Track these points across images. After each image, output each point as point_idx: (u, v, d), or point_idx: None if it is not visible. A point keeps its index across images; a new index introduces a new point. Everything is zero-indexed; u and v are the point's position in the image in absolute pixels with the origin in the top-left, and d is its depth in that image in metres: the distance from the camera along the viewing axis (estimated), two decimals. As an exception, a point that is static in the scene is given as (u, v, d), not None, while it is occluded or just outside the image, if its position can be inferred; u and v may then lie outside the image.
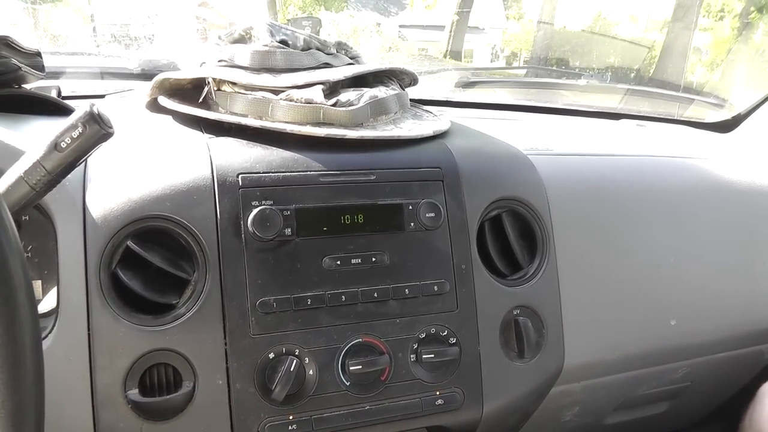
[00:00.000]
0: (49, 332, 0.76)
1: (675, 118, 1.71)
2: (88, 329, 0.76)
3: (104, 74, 1.42)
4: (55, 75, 1.28)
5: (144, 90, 1.06)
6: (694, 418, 1.54)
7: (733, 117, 1.61)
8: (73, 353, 0.76)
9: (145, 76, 1.35)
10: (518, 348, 0.95)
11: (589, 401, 1.15)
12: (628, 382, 1.16)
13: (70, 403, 0.76)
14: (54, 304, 0.77)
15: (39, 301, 0.79)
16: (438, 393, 0.89)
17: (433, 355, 0.88)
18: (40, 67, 1.03)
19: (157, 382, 0.79)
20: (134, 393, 0.77)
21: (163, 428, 0.78)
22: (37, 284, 0.80)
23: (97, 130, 0.64)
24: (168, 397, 0.78)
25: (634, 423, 1.34)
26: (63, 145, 0.64)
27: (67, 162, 0.64)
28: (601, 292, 1.06)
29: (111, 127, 0.65)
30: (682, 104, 1.82)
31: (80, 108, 0.64)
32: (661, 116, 1.70)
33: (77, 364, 0.76)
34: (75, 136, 0.64)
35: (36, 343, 0.48)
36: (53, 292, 0.78)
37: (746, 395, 1.24)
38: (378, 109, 0.96)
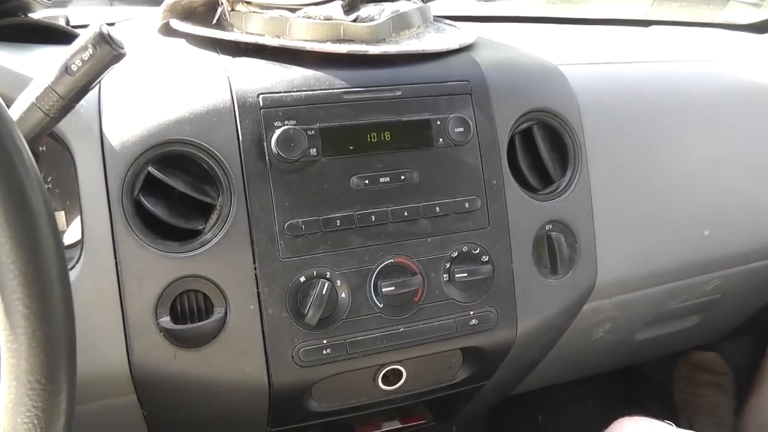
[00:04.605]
0: (76, 263, 0.75)
1: (708, 21, 1.65)
2: (115, 258, 0.75)
3: (113, 1, 1.38)
4: (62, 3, 1.25)
5: (155, 14, 1.02)
6: (724, 330, 1.54)
7: (771, 16, 1.55)
8: (101, 283, 0.75)
9: (156, 2, 1.30)
10: (551, 264, 0.93)
11: (620, 317, 1.14)
12: (659, 297, 1.15)
13: (102, 333, 0.76)
14: (79, 235, 0.76)
15: (63, 232, 0.78)
16: (472, 313, 0.88)
17: (466, 274, 0.86)
18: (47, -6, 1.00)
19: (188, 309, 0.78)
20: (166, 320, 0.76)
21: (196, 355, 0.78)
22: (60, 215, 0.78)
23: (109, 51, 0.61)
24: (200, 324, 0.77)
25: (664, 338, 1.34)
26: (74, 68, 0.61)
27: (79, 85, 0.62)
28: (634, 205, 1.03)
29: (122, 48, 0.63)
30: (715, 6, 1.75)
31: (90, 29, 0.62)
32: (694, 20, 1.64)
33: (106, 293, 0.75)
34: (86, 59, 0.61)
35: (62, 269, 0.46)
36: (77, 222, 0.76)
37: (776, 305, 1.24)
38: (400, 24, 0.92)
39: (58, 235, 0.47)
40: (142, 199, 0.77)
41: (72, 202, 0.78)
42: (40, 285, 0.44)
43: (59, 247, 0.47)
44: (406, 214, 0.84)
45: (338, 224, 0.82)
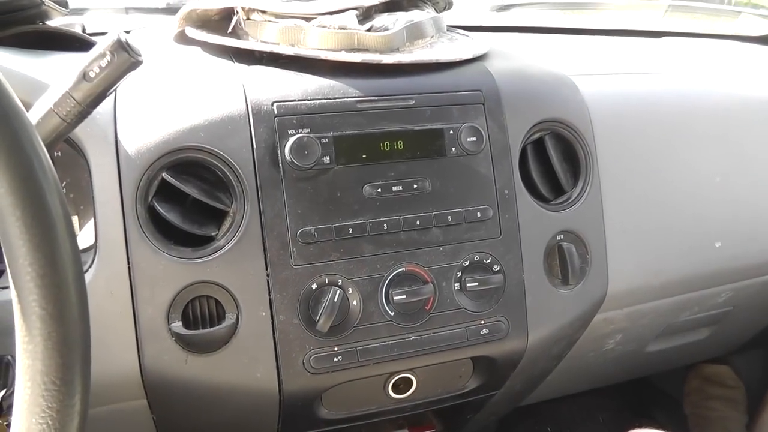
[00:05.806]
0: (89, 267, 0.75)
1: (720, 33, 1.64)
2: (128, 263, 0.76)
3: (129, 9, 1.39)
4: (79, 12, 1.26)
5: (170, 23, 1.03)
6: (736, 344, 1.53)
7: (783, 29, 1.54)
8: (114, 287, 0.75)
9: (171, 11, 1.31)
10: (562, 274, 0.93)
11: (631, 329, 1.14)
12: (670, 308, 1.14)
13: (114, 337, 0.76)
14: (92, 240, 0.76)
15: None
16: (483, 322, 0.88)
17: (477, 284, 0.86)
18: (64, 3, 1.00)
19: (200, 314, 0.78)
20: (177, 326, 0.76)
21: (207, 360, 0.78)
22: (74, 220, 0.79)
23: (126, 58, 0.62)
24: (212, 329, 0.77)
25: (675, 350, 1.33)
26: (92, 74, 0.61)
27: (96, 92, 0.62)
28: (645, 215, 1.03)
29: (140, 55, 0.63)
30: (727, 17, 1.74)
31: (108, 36, 0.62)
32: (706, 32, 1.63)
33: (119, 298, 0.76)
34: (104, 65, 0.61)
35: (78, 273, 0.47)
36: (90, 227, 0.77)
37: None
38: (414, 33, 0.93)
39: (74, 238, 0.47)
40: (156, 204, 0.77)
41: (86, 206, 0.78)
42: (57, 287, 0.45)
43: (75, 250, 0.47)
44: (418, 222, 0.85)
45: (350, 232, 0.82)
